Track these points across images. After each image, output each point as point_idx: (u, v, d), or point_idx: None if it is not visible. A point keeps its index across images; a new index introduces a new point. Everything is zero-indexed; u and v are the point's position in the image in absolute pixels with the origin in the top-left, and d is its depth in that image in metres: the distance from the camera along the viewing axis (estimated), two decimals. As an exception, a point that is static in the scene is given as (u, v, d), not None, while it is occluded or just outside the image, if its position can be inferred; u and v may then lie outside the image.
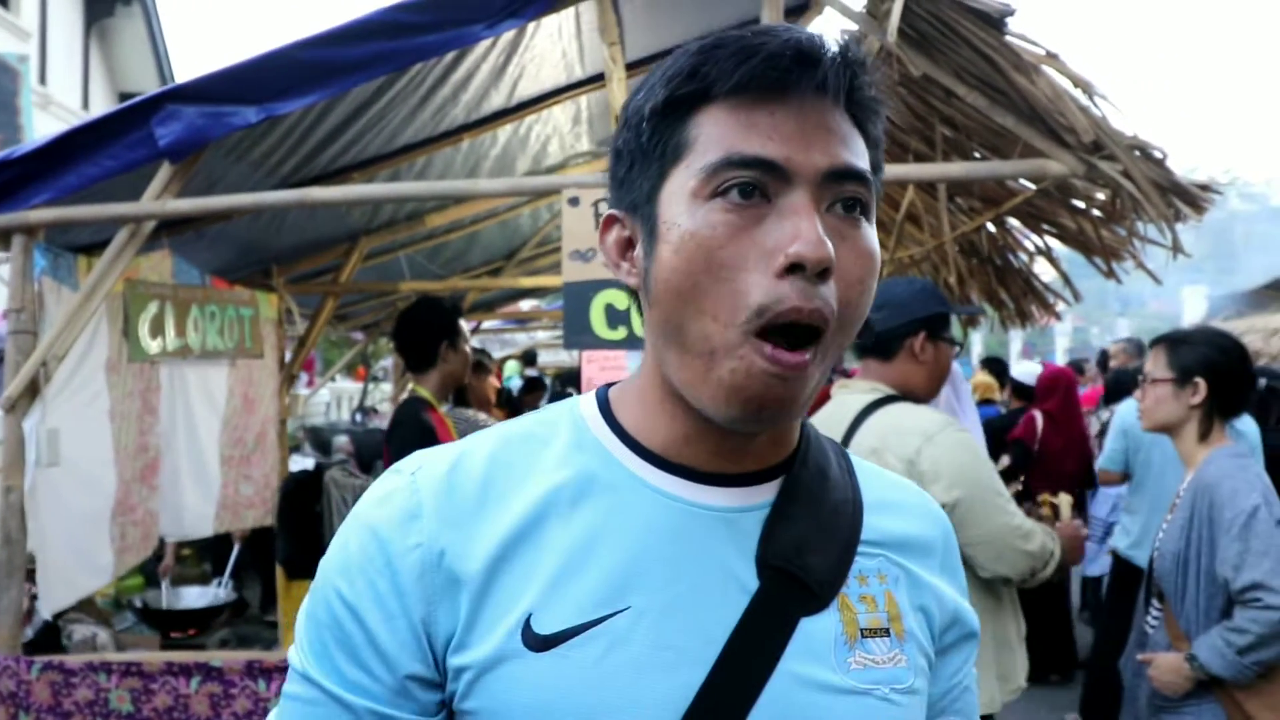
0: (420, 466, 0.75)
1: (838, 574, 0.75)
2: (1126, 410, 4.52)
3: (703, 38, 0.71)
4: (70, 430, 2.98)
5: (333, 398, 11.55)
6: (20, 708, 2.58)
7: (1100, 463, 4.72)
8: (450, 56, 3.10)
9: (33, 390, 2.66)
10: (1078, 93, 2.38)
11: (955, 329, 2.38)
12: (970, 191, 3.29)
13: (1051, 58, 2.35)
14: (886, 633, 0.75)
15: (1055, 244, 3.39)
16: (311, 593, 0.75)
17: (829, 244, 0.65)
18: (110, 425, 3.31)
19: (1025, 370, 6.76)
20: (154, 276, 3.61)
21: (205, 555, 5.35)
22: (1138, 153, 2.41)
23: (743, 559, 0.73)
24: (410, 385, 3.16)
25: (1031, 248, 3.43)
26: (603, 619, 0.69)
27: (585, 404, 0.80)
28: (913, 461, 2.08)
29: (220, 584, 4.62)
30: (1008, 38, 2.35)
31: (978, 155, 3.00)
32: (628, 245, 0.76)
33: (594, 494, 0.73)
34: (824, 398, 3.46)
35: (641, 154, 0.72)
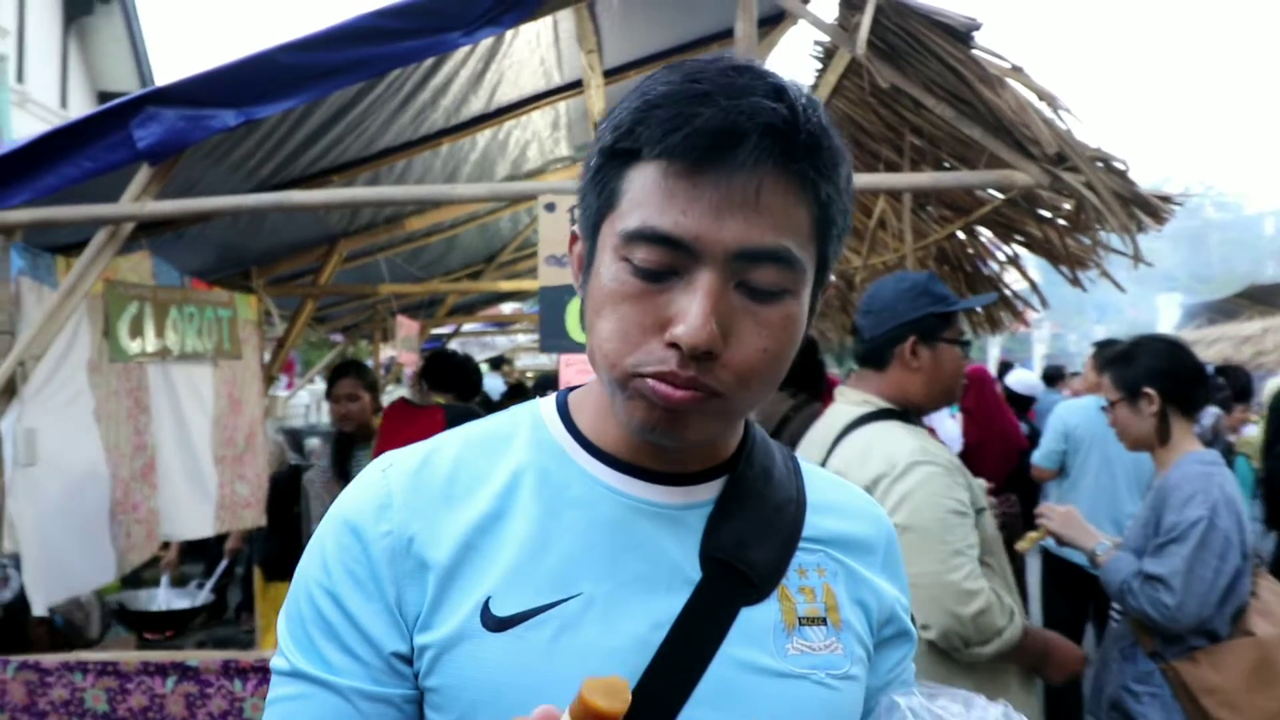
0: (391, 464, 0.81)
1: (778, 567, 0.80)
2: (1066, 410, 4.60)
3: (669, 72, 0.72)
4: (52, 430, 2.98)
5: (312, 400, 11.50)
6: (-5, 706, 2.59)
7: (1035, 459, 4.78)
8: (429, 62, 3.14)
9: (10, 390, 2.67)
10: (1043, 105, 2.44)
11: (961, 326, 2.17)
12: (938, 200, 3.35)
13: (1016, 71, 2.41)
14: (824, 622, 0.80)
15: (1026, 252, 3.47)
16: (290, 594, 0.80)
17: (712, 330, 0.67)
18: (97, 425, 3.32)
19: (1019, 379, 6.74)
20: (133, 277, 3.61)
21: (192, 558, 5.34)
22: (1100, 164, 2.47)
23: (686, 552, 0.78)
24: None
25: (1001, 256, 3.50)
26: (555, 603, 0.74)
27: (546, 406, 0.86)
28: (869, 492, 1.98)
29: (200, 585, 4.62)
30: (974, 51, 2.41)
31: (947, 165, 3.07)
32: (581, 263, 0.80)
33: (550, 489, 0.79)
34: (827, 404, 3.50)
35: (590, 187, 0.76)
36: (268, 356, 5.01)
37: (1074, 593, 4.26)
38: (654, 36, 3.75)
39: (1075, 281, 3.00)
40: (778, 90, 0.69)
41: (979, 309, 3.94)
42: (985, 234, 3.45)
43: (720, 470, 0.83)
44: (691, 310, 0.68)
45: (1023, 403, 6.26)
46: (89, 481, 3.30)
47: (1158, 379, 2.40)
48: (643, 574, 0.76)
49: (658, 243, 0.69)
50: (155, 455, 3.76)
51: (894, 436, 2.01)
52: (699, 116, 0.67)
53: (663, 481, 0.80)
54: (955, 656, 1.91)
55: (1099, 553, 2.38)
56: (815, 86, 3.42)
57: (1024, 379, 6.73)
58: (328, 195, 2.68)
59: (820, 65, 3.34)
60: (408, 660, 0.75)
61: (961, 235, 3.56)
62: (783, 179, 0.69)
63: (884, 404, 2.11)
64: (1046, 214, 2.92)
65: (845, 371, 12.65)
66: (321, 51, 2.56)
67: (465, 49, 3.14)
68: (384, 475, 0.80)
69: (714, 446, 0.82)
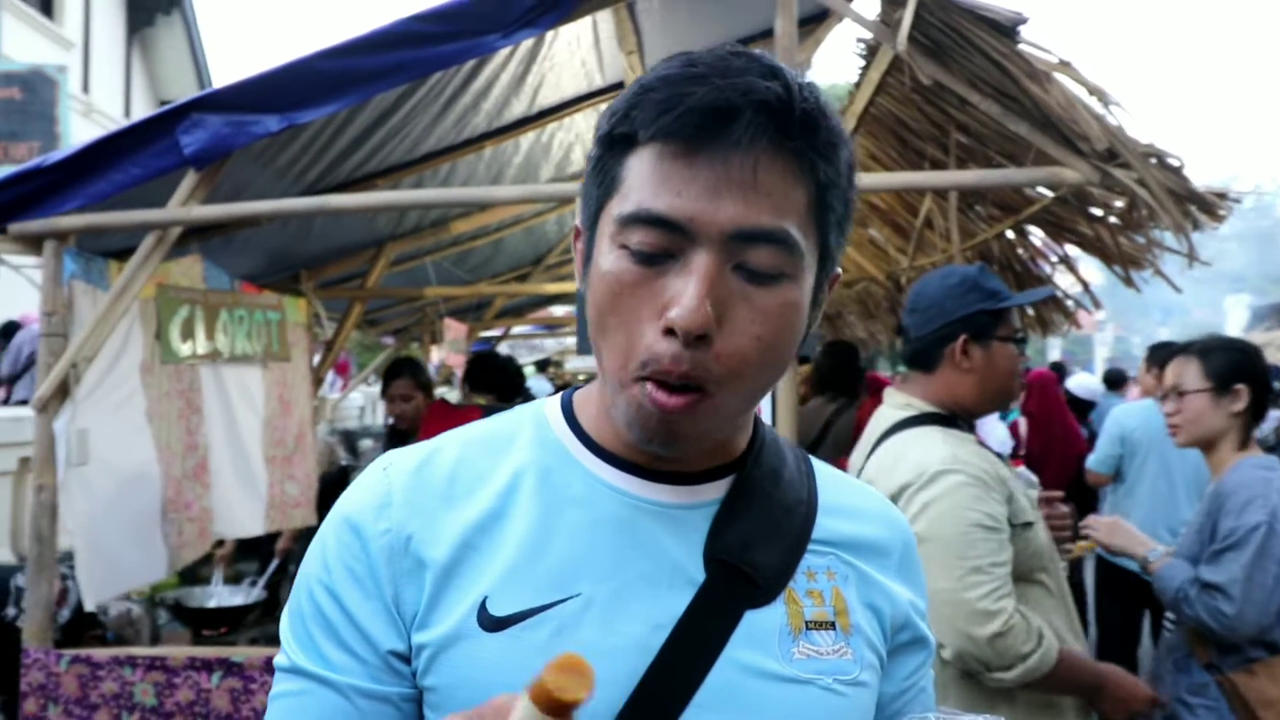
0: (392, 463, 0.81)
1: (785, 569, 0.78)
2: (1123, 414, 4.46)
3: (669, 60, 0.71)
4: (104, 430, 3.06)
5: (366, 401, 11.66)
6: (50, 699, 2.66)
7: (1090, 463, 4.66)
8: (469, 65, 3.15)
9: (63, 391, 2.73)
10: (1093, 100, 2.37)
11: (1016, 322, 2.02)
12: (985, 198, 3.28)
13: (1064, 65, 2.34)
14: (832, 626, 0.78)
15: (1081, 253, 3.38)
16: (294, 590, 0.80)
17: (707, 312, 0.66)
18: (149, 425, 3.40)
19: (1080, 383, 6.59)
20: (185, 281, 3.69)
21: (246, 556, 5.44)
22: (1154, 160, 2.40)
23: (689, 552, 0.76)
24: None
25: (1053, 256, 3.41)
26: (553, 604, 0.73)
27: (550, 405, 0.85)
28: (894, 501, 1.88)
29: (253, 583, 4.70)
30: (1020, 45, 2.35)
31: (996, 163, 3.00)
32: (583, 258, 0.79)
33: (551, 488, 0.78)
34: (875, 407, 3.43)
35: (590, 177, 0.76)
36: (317, 359, 5.08)
37: (1128, 599, 4.15)
38: (696, 36, 3.72)
39: (1129, 282, 2.91)
40: (773, 70, 0.68)
41: (1029, 307, 3.84)
42: (1036, 233, 3.37)
43: (727, 470, 0.81)
44: (687, 292, 0.67)
45: (1083, 407, 6.12)
46: (141, 480, 3.38)
47: (1250, 376, 2.30)
48: (644, 574, 0.75)
49: (653, 225, 0.68)
50: (207, 455, 3.84)
51: (927, 443, 1.91)
52: (692, 95, 0.66)
53: (667, 481, 0.78)
54: (981, 681, 1.80)
55: (1151, 560, 2.30)
56: (858, 84, 3.37)
57: (1085, 383, 6.57)
58: (366, 199, 2.70)
59: (863, 63, 3.29)
60: (406, 659, 0.75)
61: (1011, 235, 3.48)
62: (779, 157, 0.68)
63: (928, 408, 2.01)
64: (1098, 212, 2.84)
65: (899, 374, 12.48)
66: (360, 56, 2.58)
67: (505, 52, 3.15)
68: (385, 474, 0.80)
69: (719, 446, 0.80)
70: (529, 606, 0.73)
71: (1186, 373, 2.37)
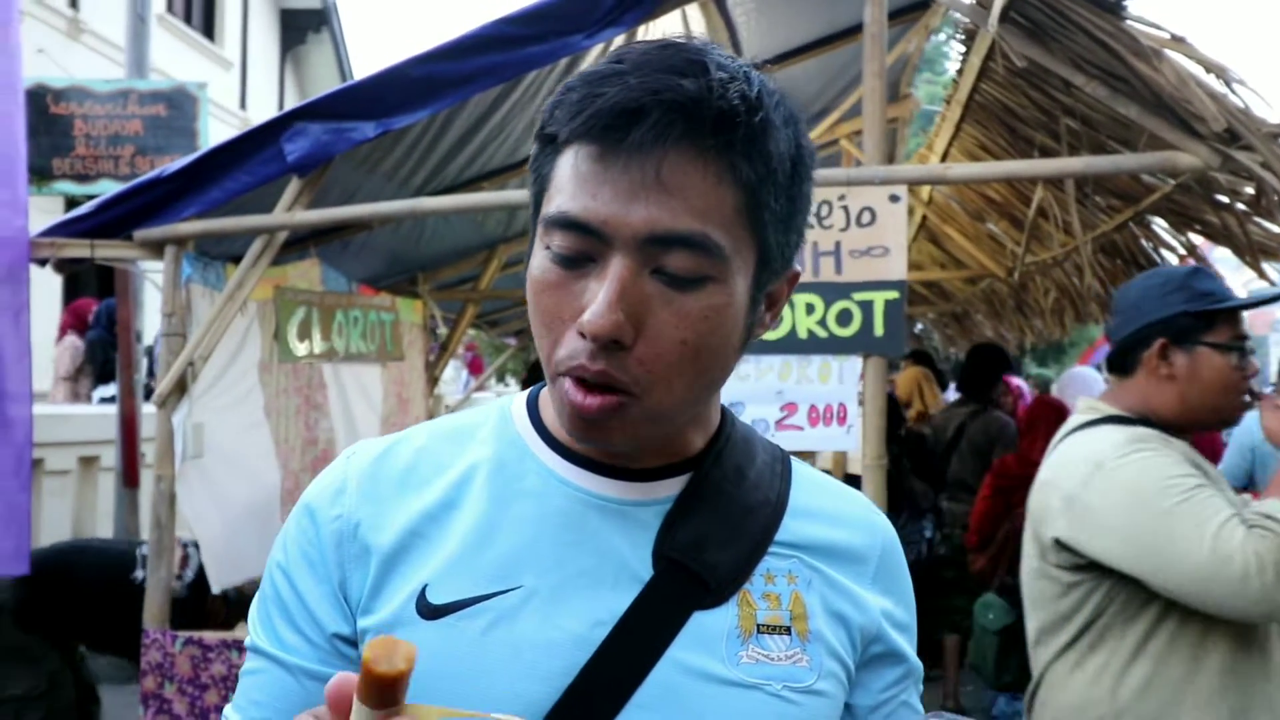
0: (355, 452, 0.83)
1: (740, 570, 0.76)
2: (1254, 421, 4.08)
3: (600, 60, 0.71)
4: (222, 425, 3.25)
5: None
6: (166, 677, 2.83)
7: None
8: (562, 65, 3.18)
9: (181, 388, 2.91)
10: (1210, 79, 2.19)
11: (1238, 328, 1.79)
12: (1102, 187, 3.07)
13: (1177, 41, 2.17)
14: (787, 630, 0.75)
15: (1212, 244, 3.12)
16: (263, 575, 0.82)
17: (617, 318, 0.65)
18: (267, 421, 3.59)
19: None
20: (303, 284, 3.87)
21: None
22: (1282, 141, 2.19)
23: (638, 550, 0.75)
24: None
25: (1180, 248, 3.17)
26: (493, 595, 0.73)
27: (517, 400, 0.85)
28: (1074, 497, 1.68)
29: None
30: (1127, 22, 2.19)
31: (1112, 149, 2.81)
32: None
33: (504, 480, 0.78)
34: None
35: (530, 171, 0.75)
36: (433, 359, 5.25)
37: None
38: (795, 30, 3.65)
39: (1260, 273, 2.67)
40: (695, 65, 0.65)
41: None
42: (1160, 224, 3.13)
43: (687, 467, 0.79)
44: (599, 296, 0.66)
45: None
46: (259, 472, 3.56)
47: None
48: (588, 569, 0.74)
49: (571, 228, 0.68)
50: (329, 449, 4.02)
51: (1107, 433, 1.74)
52: (603, 96, 0.65)
53: (622, 476, 0.77)
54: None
55: None
56: (961, 71, 3.22)
57: None
58: (457, 200, 2.77)
59: (964, 49, 3.14)
60: (352, 643, 0.76)
61: (1135, 227, 3.26)
62: (695, 159, 0.66)
63: (1116, 413, 1.80)
64: (1224, 199, 2.62)
65: (1030, 377, 11.87)
66: (450, 62, 2.65)
67: (596, 50, 3.16)
68: (346, 462, 0.82)
69: (673, 443, 0.78)
70: (467, 596, 0.73)
71: None
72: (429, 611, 0.72)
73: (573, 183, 0.68)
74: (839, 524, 0.81)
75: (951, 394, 10.60)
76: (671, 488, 0.78)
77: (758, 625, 0.74)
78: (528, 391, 0.85)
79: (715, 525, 0.76)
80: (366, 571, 0.75)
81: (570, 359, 0.68)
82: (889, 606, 0.81)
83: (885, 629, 0.80)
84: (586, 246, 0.68)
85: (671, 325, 0.68)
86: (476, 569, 0.73)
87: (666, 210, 0.66)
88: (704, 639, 0.73)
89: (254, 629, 0.79)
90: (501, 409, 0.84)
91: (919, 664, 0.84)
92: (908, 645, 0.82)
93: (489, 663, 0.71)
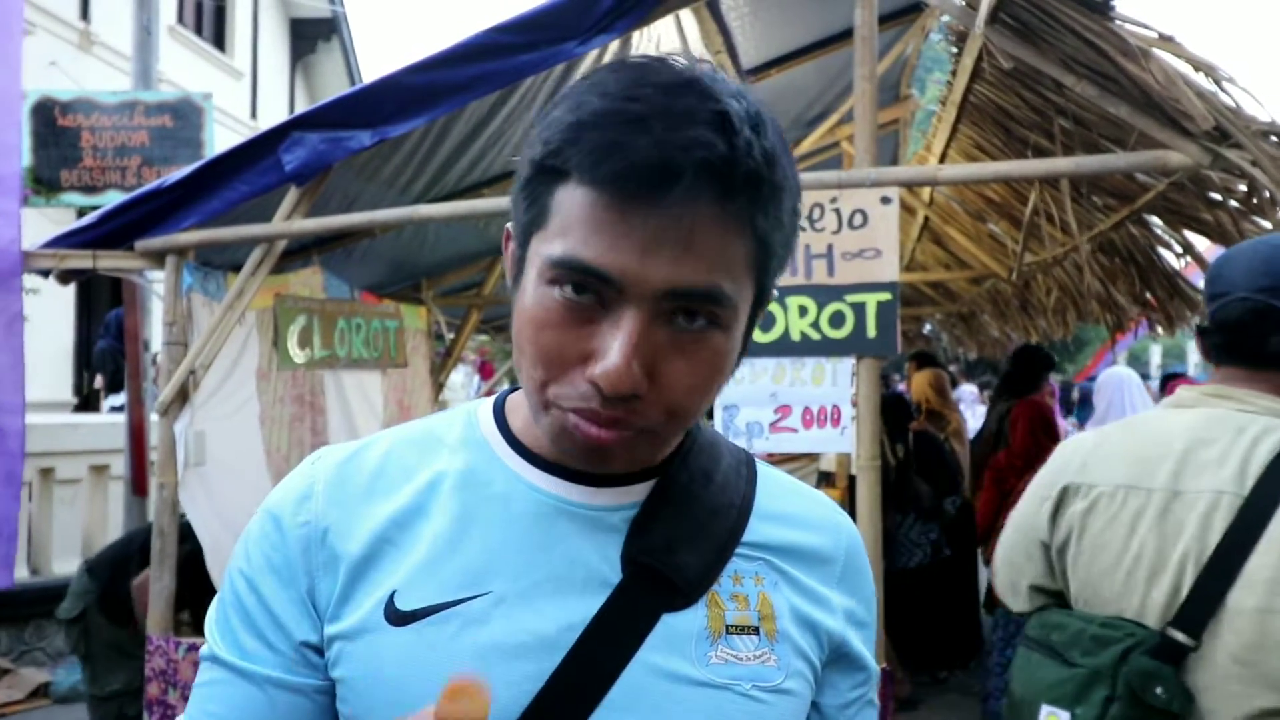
0: (321, 457, 0.83)
1: (708, 572, 0.76)
2: None
3: (605, 81, 0.67)
4: (223, 433, 3.28)
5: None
6: (169, 683, 2.86)
7: None
8: (559, 71, 3.20)
9: (183, 396, 2.94)
10: (1199, 77, 2.19)
11: None
12: (1095, 187, 3.07)
13: (1165, 40, 2.17)
14: (755, 631, 0.75)
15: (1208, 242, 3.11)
16: (221, 584, 0.82)
17: (635, 374, 0.65)
18: (260, 429, 3.62)
19: None
20: (305, 291, 3.90)
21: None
22: (1274, 139, 2.19)
23: (605, 554, 0.75)
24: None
25: (1176, 246, 3.16)
26: (461, 600, 0.73)
27: (483, 406, 0.85)
28: None
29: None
30: (1115, 22, 2.20)
31: (1105, 149, 2.81)
32: (514, 266, 0.76)
33: (472, 486, 0.78)
34: None
35: (520, 196, 0.72)
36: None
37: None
38: (790, 34, 3.66)
39: (1256, 272, 2.66)
40: (720, 116, 0.64)
41: (1149, 299, 3.55)
42: (1157, 223, 3.13)
43: (654, 472, 0.79)
44: (613, 350, 0.65)
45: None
46: (258, 480, 3.59)
47: None
48: (556, 574, 0.74)
49: (583, 274, 0.66)
50: (327, 456, 4.05)
51: None
52: (632, 149, 0.62)
53: (590, 482, 0.77)
54: None
55: None
56: (954, 72, 3.22)
57: None
58: (453, 207, 2.78)
59: (955, 50, 3.14)
60: (320, 651, 0.76)
61: (1132, 226, 3.25)
62: (719, 218, 0.65)
63: None
64: (1217, 197, 2.61)
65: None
66: (444, 70, 2.67)
67: (593, 55, 3.18)
68: (312, 467, 0.81)
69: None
70: (436, 602, 0.73)
71: None
72: (397, 618, 0.73)
73: (585, 227, 0.65)
74: (804, 526, 0.82)
75: (962, 392, 10.51)
76: (639, 492, 0.78)
77: (726, 626, 0.75)
78: (493, 397, 0.86)
79: (683, 528, 0.77)
80: (335, 578, 0.75)
81: (580, 401, 0.68)
82: (852, 606, 0.82)
83: (850, 630, 0.81)
84: (597, 292, 0.66)
85: (683, 372, 0.68)
86: (445, 575, 0.74)
87: (687, 267, 0.65)
88: (673, 640, 0.74)
89: (212, 638, 0.78)
90: (468, 414, 0.84)
91: (875, 664, 0.84)
92: (869, 645, 0.83)
93: (457, 669, 0.71)
